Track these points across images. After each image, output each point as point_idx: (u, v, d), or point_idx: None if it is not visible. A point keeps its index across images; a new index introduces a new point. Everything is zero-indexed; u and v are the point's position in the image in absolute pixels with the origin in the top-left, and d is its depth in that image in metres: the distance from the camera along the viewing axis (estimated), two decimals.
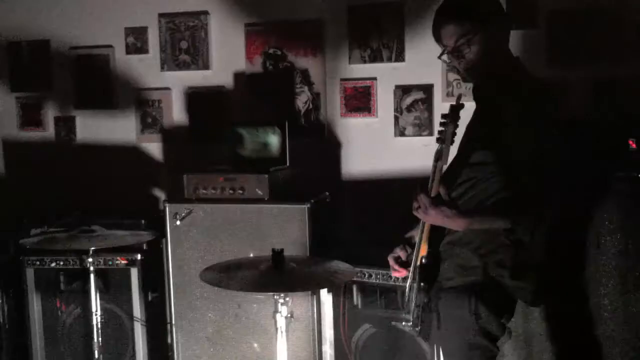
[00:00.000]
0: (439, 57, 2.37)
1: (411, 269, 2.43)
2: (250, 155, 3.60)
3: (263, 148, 3.58)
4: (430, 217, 2.22)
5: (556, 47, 3.47)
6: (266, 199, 3.34)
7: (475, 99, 2.46)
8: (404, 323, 2.36)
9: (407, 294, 2.45)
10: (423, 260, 2.32)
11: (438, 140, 2.27)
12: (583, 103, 3.42)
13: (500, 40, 2.35)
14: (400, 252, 2.52)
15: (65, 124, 4.19)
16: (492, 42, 2.30)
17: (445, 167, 2.27)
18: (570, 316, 2.71)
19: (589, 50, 3.42)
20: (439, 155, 2.25)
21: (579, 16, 3.42)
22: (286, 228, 3.28)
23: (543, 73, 3.20)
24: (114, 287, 3.50)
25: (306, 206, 3.29)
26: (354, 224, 3.72)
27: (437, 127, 3.59)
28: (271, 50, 3.88)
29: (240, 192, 3.36)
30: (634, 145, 2.64)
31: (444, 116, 2.27)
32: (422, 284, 2.32)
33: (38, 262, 3.55)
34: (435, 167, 2.26)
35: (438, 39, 2.37)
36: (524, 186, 2.16)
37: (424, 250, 2.32)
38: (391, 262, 2.54)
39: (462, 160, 2.35)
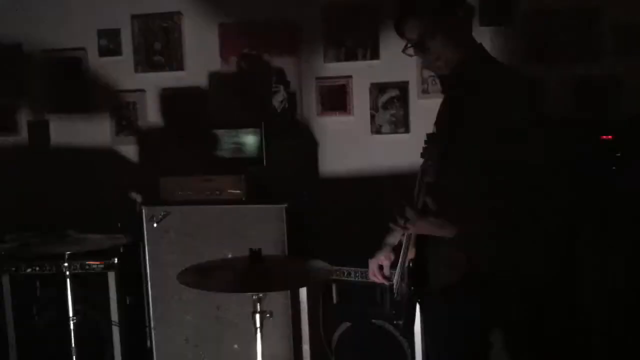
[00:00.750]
0: (403, 51, 2.36)
1: (397, 270, 2.43)
2: (227, 156, 3.59)
3: (240, 149, 3.57)
4: (418, 228, 2.20)
5: (533, 45, 3.50)
6: (243, 199, 3.33)
7: (444, 90, 2.47)
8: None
9: (395, 289, 2.45)
10: (411, 264, 2.32)
11: (423, 155, 2.23)
12: (560, 102, 3.45)
13: (463, 29, 2.34)
14: (383, 261, 2.51)
15: (39, 128, 4.14)
16: (455, 32, 2.30)
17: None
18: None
19: (566, 49, 3.46)
20: (426, 172, 2.19)
21: (556, 15, 3.46)
22: (264, 228, 3.28)
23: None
24: (91, 291, 3.46)
25: (283, 206, 3.28)
26: (333, 223, 3.71)
27: (413, 124, 3.68)
28: (246, 50, 3.87)
29: (218, 193, 3.35)
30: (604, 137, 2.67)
31: (429, 135, 2.24)
32: (411, 287, 2.32)
33: (14, 269, 3.50)
34: (421, 182, 2.21)
35: (401, 33, 2.36)
36: (503, 182, 2.13)
37: (412, 254, 2.32)
38: (374, 267, 2.53)
39: (436, 153, 2.32)
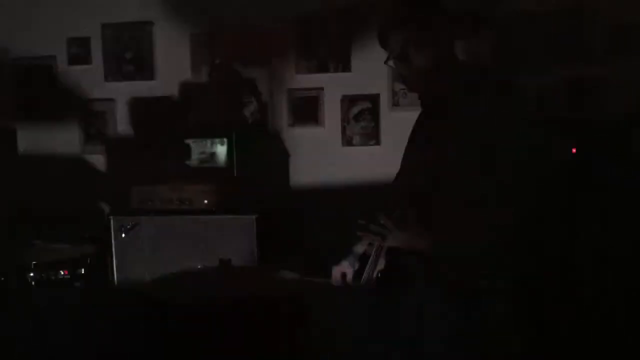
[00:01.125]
0: (385, 63, 2.37)
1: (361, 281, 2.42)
2: (197, 165, 3.57)
3: (210, 159, 3.56)
4: (394, 240, 2.18)
5: (523, 48, 3.54)
6: (214, 210, 3.32)
7: (426, 104, 2.48)
8: None
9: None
10: (379, 275, 2.32)
11: (407, 167, 2.22)
12: (553, 103, 3.49)
13: (447, 44, 2.35)
14: (347, 269, 2.50)
15: (6, 137, 4.08)
16: (439, 46, 2.31)
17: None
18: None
19: (558, 51, 3.50)
20: (409, 184, 2.18)
21: (546, 17, 3.50)
22: (234, 239, 3.26)
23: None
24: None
25: (253, 217, 3.28)
26: (305, 233, 3.71)
27: (384, 137, 3.71)
28: (217, 60, 3.87)
29: (188, 203, 3.33)
30: (574, 151, 2.71)
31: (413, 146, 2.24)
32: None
33: None
34: (402, 193, 2.19)
35: (384, 44, 2.37)
36: (489, 195, 2.12)
37: (381, 265, 2.31)
38: (337, 275, 2.52)
39: (418, 169, 2.32)
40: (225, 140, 3.53)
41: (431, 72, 2.30)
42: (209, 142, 3.56)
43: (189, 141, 3.59)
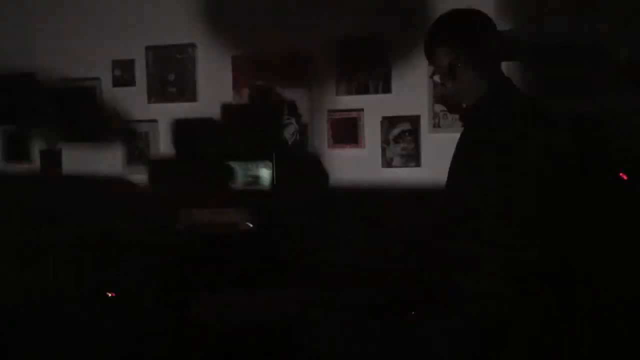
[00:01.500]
0: (430, 77, 2.37)
1: None
2: (237, 188, 3.60)
3: (254, 181, 3.59)
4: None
5: (538, 80, 3.54)
6: (257, 232, 3.34)
7: (467, 121, 2.48)
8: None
9: None
10: None
11: (453, 189, 2.20)
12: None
13: (494, 62, 2.35)
14: None
15: (51, 157, 4.16)
16: (486, 64, 2.32)
17: None
18: None
19: (570, 84, 3.49)
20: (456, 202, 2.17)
21: (560, 50, 3.49)
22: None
23: None
24: None
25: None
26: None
27: (424, 158, 3.70)
28: (258, 82, 3.91)
29: (232, 226, 3.36)
30: (625, 177, 2.69)
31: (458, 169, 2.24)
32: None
33: None
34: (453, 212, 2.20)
35: (431, 59, 2.37)
36: (528, 216, 2.12)
37: None
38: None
39: (459, 189, 2.31)
40: (269, 162, 3.56)
41: (476, 91, 2.30)
42: (252, 164, 3.59)
43: (233, 163, 3.62)
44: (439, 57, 2.31)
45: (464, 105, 2.41)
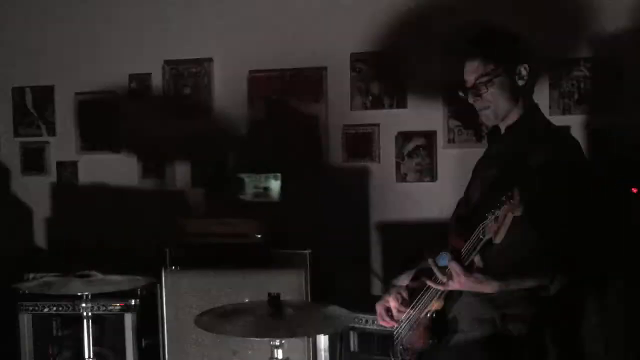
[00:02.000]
0: (460, 94, 2.34)
1: (407, 317, 2.36)
2: (251, 200, 3.58)
3: (264, 193, 3.56)
4: (461, 285, 2.08)
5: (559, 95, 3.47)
6: (265, 244, 3.30)
7: (491, 142, 2.45)
8: None
9: (398, 335, 2.39)
10: (434, 315, 2.26)
11: (491, 213, 1.99)
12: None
13: (521, 86, 2.30)
14: (391, 302, 2.42)
15: (68, 168, 4.18)
16: (513, 88, 2.27)
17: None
18: None
19: (589, 99, 3.42)
20: (487, 230, 2.01)
21: (583, 66, 3.43)
22: (284, 273, 3.23)
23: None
24: (108, 332, 3.44)
25: (307, 252, 3.27)
26: (355, 270, 3.66)
27: (439, 173, 3.64)
28: (274, 97, 3.89)
29: (240, 237, 3.33)
30: (635, 191, 2.61)
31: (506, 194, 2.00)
32: (430, 340, 2.25)
33: (32, 307, 3.49)
34: (479, 240, 2.05)
35: (464, 73, 2.34)
36: (557, 242, 2.06)
37: (438, 305, 2.25)
38: (380, 310, 2.46)
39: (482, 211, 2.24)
40: (279, 175, 3.53)
41: (499, 111, 2.27)
42: (263, 176, 3.57)
43: (243, 175, 3.60)
44: (469, 71, 2.29)
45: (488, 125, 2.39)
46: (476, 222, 2.05)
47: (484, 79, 2.25)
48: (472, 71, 2.29)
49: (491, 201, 2.00)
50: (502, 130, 2.35)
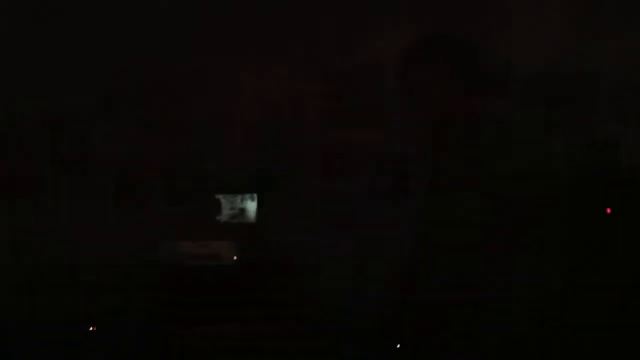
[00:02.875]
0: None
1: None
2: (227, 221, 3.58)
3: (240, 214, 3.56)
4: None
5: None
6: (239, 264, 3.32)
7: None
8: None
9: None
10: None
11: None
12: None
13: (485, 93, 2.31)
14: None
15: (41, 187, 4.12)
16: (472, 93, 2.28)
17: None
18: None
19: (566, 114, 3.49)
20: None
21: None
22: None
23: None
24: None
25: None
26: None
27: None
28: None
29: (217, 258, 3.33)
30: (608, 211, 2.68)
31: None
32: None
33: None
34: None
35: (411, 80, 2.35)
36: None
37: None
38: None
39: None
40: (255, 195, 3.54)
41: (459, 119, 2.29)
42: (239, 197, 3.57)
43: (219, 196, 3.60)
44: (421, 78, 2.28)
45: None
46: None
47: (440, 84, 2.26)
48: (425, 78, 2.28)
49: None
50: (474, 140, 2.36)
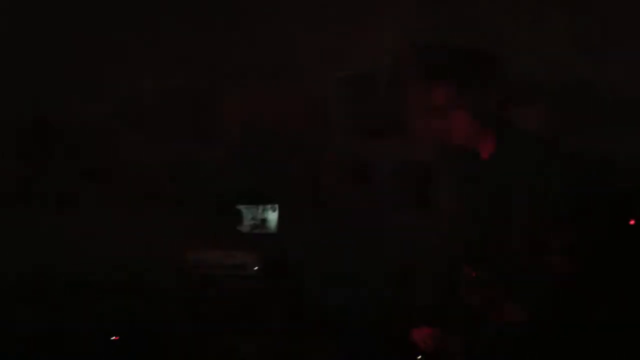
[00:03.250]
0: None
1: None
2: (248, 232, 3.58)
3: (262, 225, 3.57)
4: None
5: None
6: (262, 276, 3.32)
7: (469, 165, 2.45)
8: None
9: None
10: None
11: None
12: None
13: (489, 105, 2.28)
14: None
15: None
16: (480, 106, 2.26)
17: None
18: None
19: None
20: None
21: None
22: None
23: None
24: None
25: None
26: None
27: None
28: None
29: (239, 269, 3.35)
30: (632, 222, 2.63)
31: None
32: None
33: None
34: None
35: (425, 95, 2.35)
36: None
37: None
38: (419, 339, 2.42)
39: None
40: (276, 206, 3.54)
41: (468, 132, 2.26)
42: (260, 208, 3.57)
43: (241, 207, 3.61)
44: (434, 95, 2.26)
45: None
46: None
47: (449, 100, 2.22)
48: (437, 94, 2.25)
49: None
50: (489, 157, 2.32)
